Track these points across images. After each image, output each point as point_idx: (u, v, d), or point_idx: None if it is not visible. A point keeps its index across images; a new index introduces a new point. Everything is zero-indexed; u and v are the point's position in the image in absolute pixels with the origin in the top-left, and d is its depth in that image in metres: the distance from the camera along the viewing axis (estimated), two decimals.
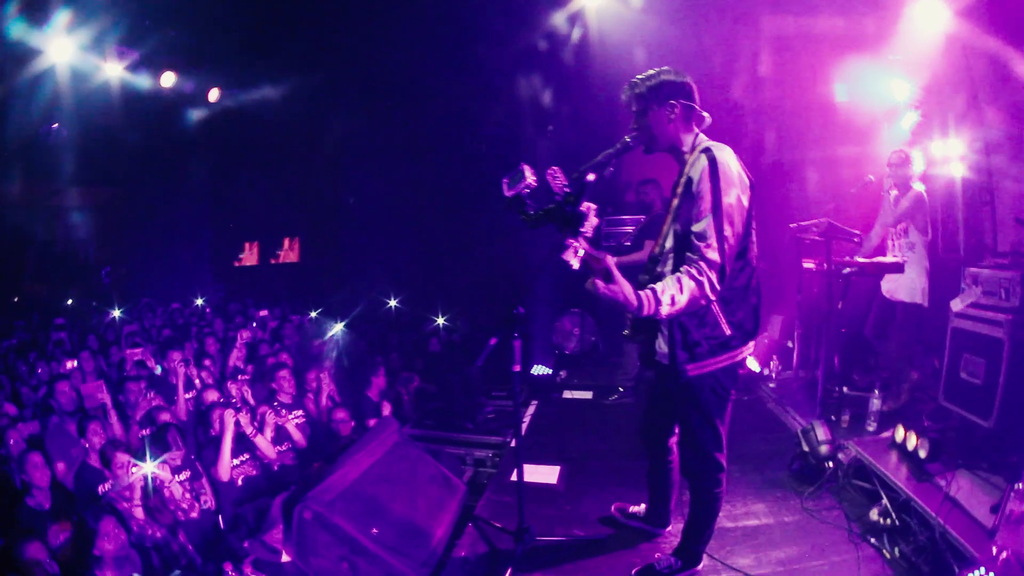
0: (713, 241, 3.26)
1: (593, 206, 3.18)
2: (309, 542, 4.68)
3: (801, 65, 8.27)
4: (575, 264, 3.06)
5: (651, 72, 3.58)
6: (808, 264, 7.07)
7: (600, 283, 3.09)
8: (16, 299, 16.31)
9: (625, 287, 3.12)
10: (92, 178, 16.46)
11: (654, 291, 3.18)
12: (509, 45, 10.38)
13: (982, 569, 3.28)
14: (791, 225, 7.08)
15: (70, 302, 16.46)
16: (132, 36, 10.76)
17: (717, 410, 3.69)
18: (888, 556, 4.20)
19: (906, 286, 6.38)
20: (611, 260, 3.11)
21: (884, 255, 6.74)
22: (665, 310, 3.18)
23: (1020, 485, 3.57)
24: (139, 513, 5.08)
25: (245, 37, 11.21)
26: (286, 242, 18.61)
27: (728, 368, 3.59)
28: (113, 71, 11.32)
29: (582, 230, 3.11)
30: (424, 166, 14.64)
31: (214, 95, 13.30)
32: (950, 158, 7.30)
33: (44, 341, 10.70)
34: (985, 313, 5.12)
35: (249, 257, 18.95)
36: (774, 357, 8.17)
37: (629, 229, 8.92)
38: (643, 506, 4.68)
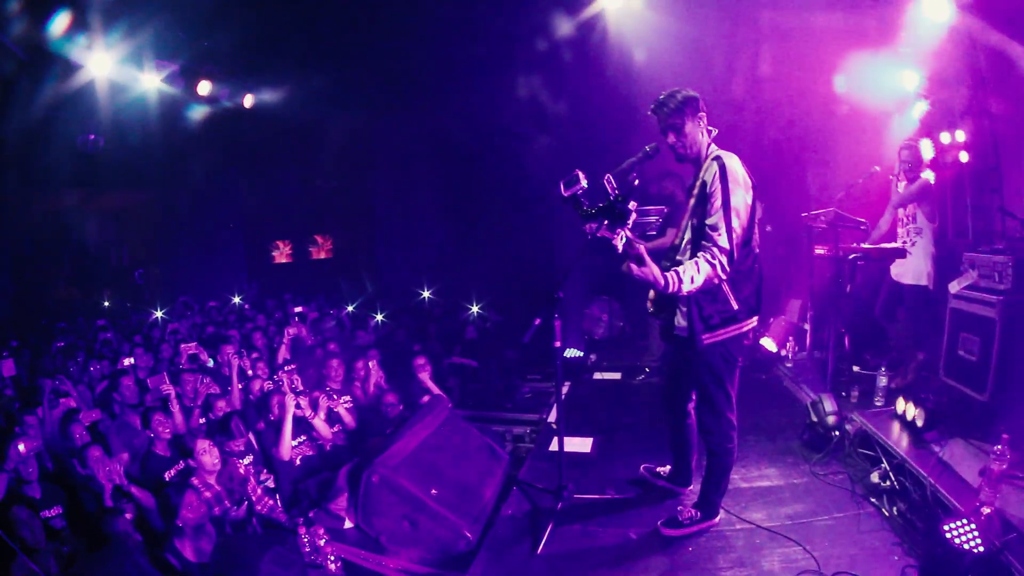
0: (723, 231, 3.91)
1: (635, 204, 3.84)
2: (374, 503, 5.23)
3: (811, 59, 8.49)
4: (620, 248, 3.78)
5: (674, 90, 4.18)
6: (819, 251, 7.39)
7: (635, 266, 3.75)
8: (51, 302, 16.73)
9: (654, 269, 3.78)
10: (126, 183, 16.75)
11: (677, 272, 3.83)
12: (534, 39, 10.64)
13: (964, 520, 3.70)
14: (802, 214, 7.52)
15: (107, 304, 17.00)
16: (169, 48, 11.08)
17: (727, 374, 4.35)
18: (887, 514, 4.70)
19: (912, 270, 6.73)
20: (643, 247, 3.75)
21: (893, 242, 7.12)
22: (686, 288, 3.83)
23: (999, 447, 4.05)
24: (213, 492, 5.50)
25: (275, 41, 11.46)
26: (319, 239, 18.83)
27: (736, 337, 4.26)
28: (151, 83, 11.54)
29: (628, 223, 3.80)
30: (453, 160, 15.01)
31: (248, 100, 13.49)
32: (958, 146, 7.61)
33: (92, 342, 11.16)
34: (980, 295, 5.62)
35: (282, 255, 19.15)
36: (790, 339, 8.55)
37: (653, 219, 9.35)
38: (668, 467, 5.32)
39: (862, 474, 5.26)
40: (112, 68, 10.51)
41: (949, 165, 7.61)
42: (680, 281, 3.81)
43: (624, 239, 3.80)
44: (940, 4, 6.91)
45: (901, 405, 5.60)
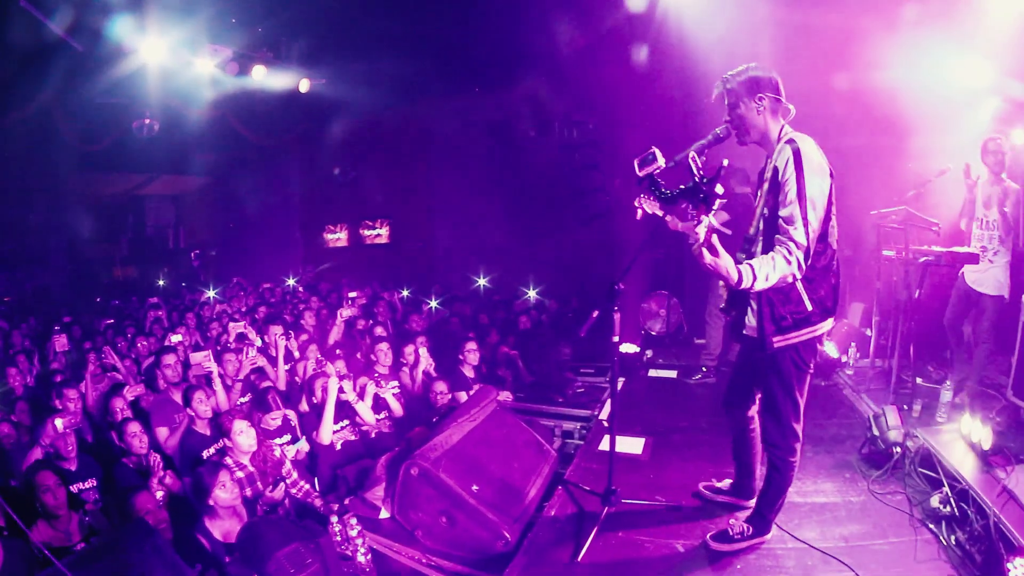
0: (799, 224, 3.65)
1: (722, 189, 3.52)
2: (412, 496, 5.15)
3: (875, 49, 8.17)
4: (701, 235, 3.39)
5: (740, 68, 3.97)
6: (888, 252, 7.15)
7: (708, 253, 3.45)
8: (107, 282, 17.14)
9: (728, 261, 3.52)
10: (182, 167, 17.25)
11: (751, 267, 3.59)
12: (591, 33, 10.72)
13: None
14: (872, 213, 7.26)
15: (161, 283, 17.39)
16: (223, 34, 11.34)
17: (797, 381, 4.09)
18: (944, 542, 4.45)
19: (993, 279, 6.47)
20: (716, 238, 3.47)
21: (964, 244, 6.80)
22: (760, 285, 3.60)
23: None
24: (247, 472, 5.50)
25: (331, 26, 11.65)
26: (377, 224, 18.81)
27: (808, 342, 4.00)
28: (205, 67, 11.81)
29: (713, 207, 3.46)
30: (512, 147, 14.89)
31: (304, 85, 13.56)
32: None
33: (142, 319, 11.36)
34: None
35: (339, 239, 19.28)
36: (852, 344, 8.33)
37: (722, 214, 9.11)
38: (728, 481, 5.11)
39: (922, 496, 5.03)
40: (167, 53, 10.81)
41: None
42: (754, 277, 3.58)
43: (707, 226, 3.42)
44: None
45: (967, 424, 5.29)
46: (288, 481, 5.70)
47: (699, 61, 9.11)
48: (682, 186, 3.58)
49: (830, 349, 8.12)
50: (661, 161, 3.76)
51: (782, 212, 3.73)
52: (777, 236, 3.74)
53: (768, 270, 3.61)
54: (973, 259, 6.45)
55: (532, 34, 11.29)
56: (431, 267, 16.24)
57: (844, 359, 8.24)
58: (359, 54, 12.66)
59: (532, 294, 12.44)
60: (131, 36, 10.19)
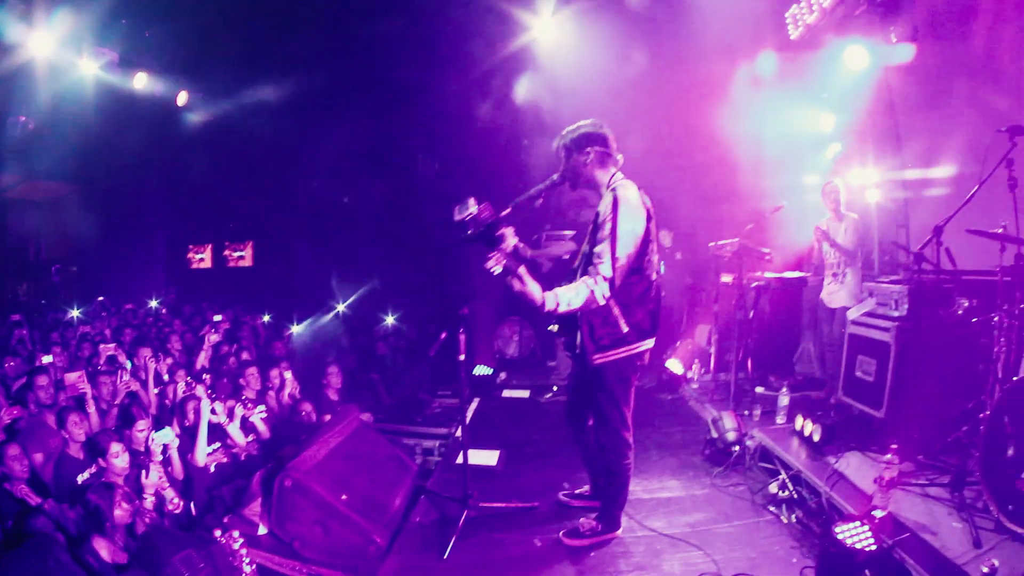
0: (607, 259, 4.07)
1: (511, 229, 4.05)
2: (287, 508, 5.18)
3: (728, 98, 8.88)
4: (497, 271, 3.92)
5: (575, 125, 4.45)
6: (725, 278, 7.94)
7: (516, 283, 3.93)
8: None
9: (533, 288, 3.95)
10: (48, 173, 16.14)
11: (556, 293, 4.01)
12: (478, 65, 11.14)
13: (857, 522, 3.89)
14: (709, 244, 7.82)
15: (22, 299, 16.49)
16: (110, 36, 11.00)
17: (622, 393, 4.47)
18: (785, 520, 4.90)
19: (847, 294, 7.11)
20: (523, 269, 3.94)
21: (801, 270, 7.77)
22: (563, 308, 4.00)
23: (889, 456, 4.30)
24: (126, 498, 5.22)
25: (215, 41, 11.55)
26: (240, 246, 18.72)
27: (628, 358, 4.37)
28: (88, 69, 11.33)
29: (501, 247, 3.96)
30: (379, 175, 15.11)
31: (182, 98, 13.38)
32: (867, 186, 8.28)
33: (6, 336, 10.62)
34: (877, 320, 5.96)
35: (203, 260, 19.06)
36: (696, 361, 8.84)
37: (568, 242, 9.50)
38: (586, 487, 5.37)
39: (761, 485, 5.46)
40: (51, 50, 10.35)
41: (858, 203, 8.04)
42: (557, 302, 3.97)
43: (498, 263, 3.91)
44: (860, 55, 7.65)
45: (799, 422, 5.90)
46: (165, 499, 5.60)
47: (562, 107, 9.64)
48: (479, 230, 4.03)
49: (674, 366, 8.62)
50: (473, 208, 4.05)
51: (596, 248, 4.15)
52: (589, 267, 4.15)
53: (570, 296, 4.02)
54: (802, 282, 7.51)
55: (412, 68, 11.64)
56: (293, 291, 15.92)
57: (689, 374, 8.74)
58: (238, 71, 12.66)
59: (390, 320, 12.44)
60: (16, 28, 9.76)
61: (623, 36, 9.62)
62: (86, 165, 15.35)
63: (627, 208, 4.12)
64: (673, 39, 9.51)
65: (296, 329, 11.11)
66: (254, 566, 4.63)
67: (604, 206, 4.20)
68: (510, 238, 4.02)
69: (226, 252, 18.70)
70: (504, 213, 4.11)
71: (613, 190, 4.20)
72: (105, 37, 11.03)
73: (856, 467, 5.13)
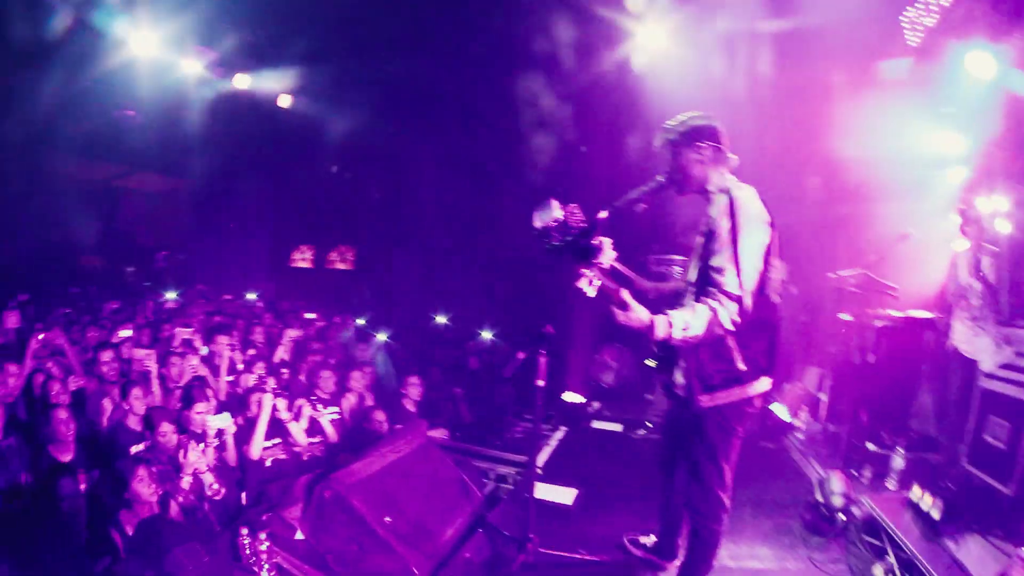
0: (731, 274, 3.39)
1: (608, 240, 3.33)
2: (325, 520, 4.87)
3: (843, 116, 8.15)
4: (591, 292, 3.21)
5: (682, 117, 3.78)
6: (844, 316, 7.07)
7: (619, 311, 3.25)
8: (74, 267, 16.86)
9: (640, 313, 3.26)
10: (159, 165, 17.22)
11: (668, 316, 3.31)
12: (561, 73, 10.77)
13: None
14: (829, 275, 7.09)
15: (128, 280, 17.14)
16: (211, 37, 11.27)
17: (723, 446, 3.77)
18: None
19: (991, 341, 6.01)
20: (625, 291, 3.26)
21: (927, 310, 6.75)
22: (677, 335, 3.30)
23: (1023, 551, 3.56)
24: (164, 470, 5.28)
25: (319, 45, 11.53)
26: (341, 249, 18.91)
27: (737, 404, 3.68)
28: (192, 68, 11.78)
29: (595, 261, 3.24)
30: (482, 187, 14.85)
31: (285, 100, 13.62)
32: (998, 215, 7.19)
33: (98, 311, 11.08)
34: (1013, 374, 5.09)
35: (304, 260, 19.37)
36: (804, 407, 8.14)
37: (678, 269, 9.02)
38: (652, 538, 4.73)
39: (864, 565, 4.75)
40: (155, 49, 10.72)
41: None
42: (671, 326, 3.30)
43: (594, 281, 3.23)
44: (985, 61, 6.41)
45: (917, 493, 5.02)
46: (205, 484, 5.47)
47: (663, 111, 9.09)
48: (567, 238, 3.33)
49: (780, 412, 7.92)
50: (558, 212, 3.36)
51: (712, 261, 3.50)
52: (707, 287, 3.49)
53: (688, 318, 3.34)
54: (931, 324, 6.34)
55: (515, 81, 11.30)
56: (390, 298, 15.94)
57: (795, 422, 8.03)
58: (343, 76, 12.61)
59: (487, 335, 12.12)
60: (121, 27, 10.14)
61: (727, 55, 9.06)
62: (192, 162, 15.89)
63: (750, 212, 3.50)
64: (782, 56, 8.89)
65: (383, 336, 10.93)
66: (275, 572, 4.51)
67: (717, 210, 3.57)
68: (608, 250, 3.32)
69: (329, 254, 19.02)
70: (601, 216, 3.39)
71: (726, 191, 3.59)
72: (207, 37, 11.35)
73: (977, 557, 4.30)
